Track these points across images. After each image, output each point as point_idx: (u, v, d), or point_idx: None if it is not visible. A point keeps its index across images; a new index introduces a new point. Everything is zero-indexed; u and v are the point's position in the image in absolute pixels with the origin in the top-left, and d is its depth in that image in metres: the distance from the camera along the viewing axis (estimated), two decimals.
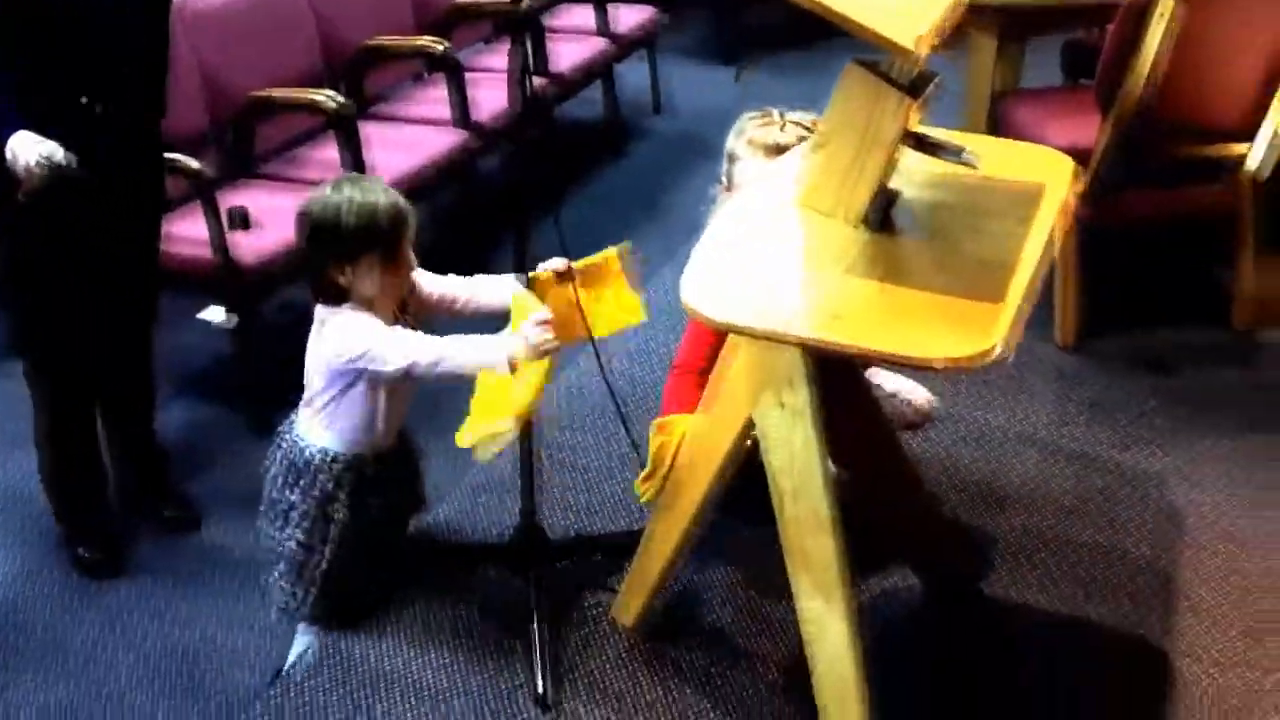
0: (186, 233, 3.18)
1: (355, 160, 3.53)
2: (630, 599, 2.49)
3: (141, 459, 3.01)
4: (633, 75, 5.27)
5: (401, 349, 2.27)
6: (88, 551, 2.88)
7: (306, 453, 2.41)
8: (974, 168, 2.03)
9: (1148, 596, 2.60)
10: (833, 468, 2.08)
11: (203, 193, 3.17)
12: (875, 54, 1.93)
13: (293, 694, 2.41)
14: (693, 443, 2.28)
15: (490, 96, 4.11)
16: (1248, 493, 2.90)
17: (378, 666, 2.46)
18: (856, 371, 2.41)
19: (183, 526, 3.00)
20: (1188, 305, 3.65)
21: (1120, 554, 2.72)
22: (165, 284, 2.98)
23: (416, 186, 3.63)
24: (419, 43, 4.12)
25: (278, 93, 3.62)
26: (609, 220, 4.31)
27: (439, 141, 3.94)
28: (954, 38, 1.97)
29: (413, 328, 2.36)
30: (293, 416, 2.47)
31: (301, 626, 2.57)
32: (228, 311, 3.22)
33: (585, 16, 4.99)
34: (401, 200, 2.34)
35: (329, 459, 2.41)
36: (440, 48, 3.99)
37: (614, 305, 2.45)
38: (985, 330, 1.74)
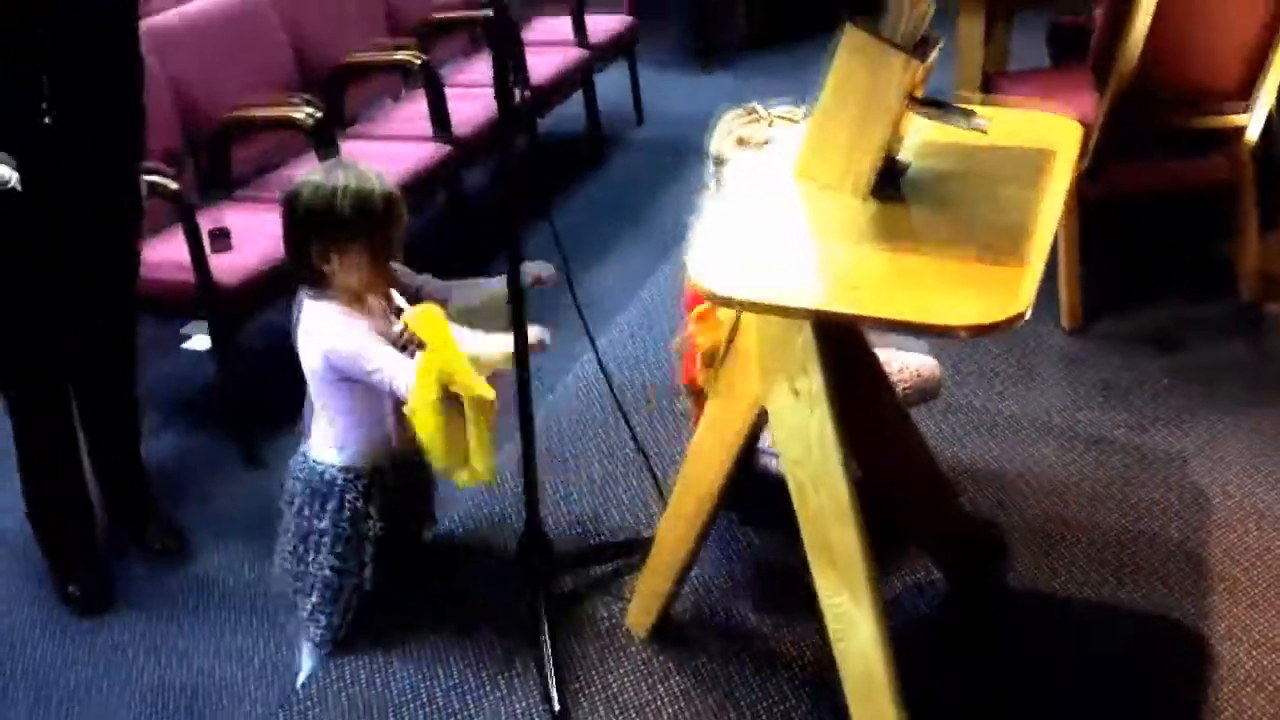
0: (166, 255, 3.10)
1: None
2: (644, 606, 2.40)
3: (124, 479, 2.93)
4: (611, 84, 5.21)
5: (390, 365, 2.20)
6: (77, 589, 2.81)
7: (327, 475, 2.33)
8: (983, 132, 1.95)
9: (1181, 580, 2.51)
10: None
11: (182, 213, 3.08)
12: None
13: None
14: (701, 438, 2.19)
15: (469, 109, 4.07)
16: (1273, 468, 2.81)
17: (384, 691, 2.36)
18: (869, 354, 2.32)
19: (172, 555, 2.92)
20: (1190, 280, 3.58)
21: (1149, 538, 2.63)
22: (147, 309, 2.90)
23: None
24: (398, 56, 4.07)
25: (254, 110, 3.54)
26: (593, 230, 4.25)
27: (419, 155, 3.88)
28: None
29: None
30: (302, 448, 2.39)
31: (308, 649, 2.47)
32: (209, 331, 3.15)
33: (562, 27, 4.95)
34: (395, 189, 2.26)
35: (352, 477, 2.33)
36: (419, 61, 3.96)
37: (475, 445, 2.21)
38: (1013, 293, 1.65)
